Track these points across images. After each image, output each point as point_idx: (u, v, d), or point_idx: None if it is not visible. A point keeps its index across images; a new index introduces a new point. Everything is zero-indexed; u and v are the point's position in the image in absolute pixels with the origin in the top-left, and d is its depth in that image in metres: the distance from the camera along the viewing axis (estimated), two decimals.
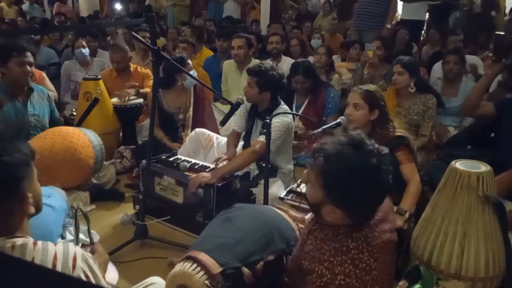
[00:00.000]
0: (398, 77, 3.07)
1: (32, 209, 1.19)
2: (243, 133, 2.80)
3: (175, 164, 2.56)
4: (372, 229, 1.29)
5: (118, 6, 9.04)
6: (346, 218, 1.26)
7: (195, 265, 1.37)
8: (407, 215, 2.04)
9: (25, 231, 1.19)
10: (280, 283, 1.45)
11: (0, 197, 1.14)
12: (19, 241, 1.13)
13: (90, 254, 1.23)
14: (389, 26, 4.85)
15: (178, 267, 1.39)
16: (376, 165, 1.20)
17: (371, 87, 2.34)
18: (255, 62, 4.04)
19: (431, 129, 3.15)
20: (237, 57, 4.00)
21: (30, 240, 1.15)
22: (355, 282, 1.19)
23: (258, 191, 2.52)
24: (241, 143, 2.84)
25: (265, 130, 2.05)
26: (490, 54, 2.61)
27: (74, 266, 1.14)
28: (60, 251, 1.15)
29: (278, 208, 1.79)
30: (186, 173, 2.46)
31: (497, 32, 2.64)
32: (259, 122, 2.63)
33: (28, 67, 2.71)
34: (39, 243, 1.15)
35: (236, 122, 2.78)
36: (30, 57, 2.73)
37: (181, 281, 1.37)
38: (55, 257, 1.13)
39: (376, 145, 1.26)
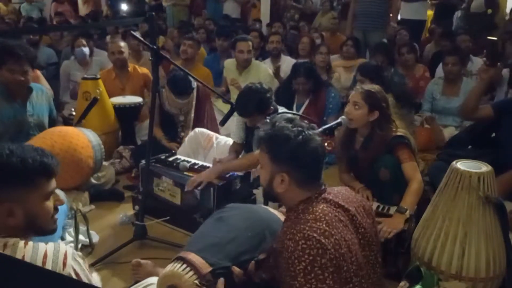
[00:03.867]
0: (360, 85, 3.00)
1: (12, 221, 1.17)
2: (244, 143, 2.76)
3: (174, 164, 2.55)
4: (329, 206, 1.35)
5: (119, 6, 9.04)
6: (292, 183, 1.35)
7: (185, 265, 1.39)
8: (407, 213, 2.03)
9: (17, 235, 1.19)
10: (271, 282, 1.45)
11: None
12: (11, 240, 1.15)
13: (80, 254, 1.24)
14: (395, 24, 4.82)
15: (169, 267, 1.42)
16: (307, 127, 1.39)
17: (374, 87, 2.31)
18: (254, 63, 4.02)
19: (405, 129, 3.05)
20: (246, 62, 3.91)
21: (21, 240, 1.16)
22: (315, 243, 1.23)
23: (258, 192, 2.51)
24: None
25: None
26: (484, 59, 2.61)
27: (64, 264, 1.15)
28: (50, 249, 1.15)
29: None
30: (186, 173, 2.46)
31: (489, 37, 2.64)
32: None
33: (20, 76, 2.64)
34: (30, 242, 1.16)
35: (236, 133, 2.75)
36: (24, 65, 2.65)
37: (171, 281, 1.40)
38: (45, 255, 1.14)
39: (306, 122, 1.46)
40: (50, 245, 1.18)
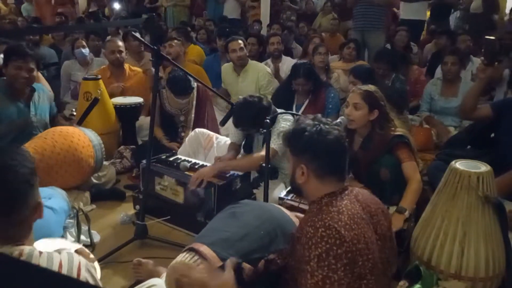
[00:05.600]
0: (353, 87, 3.00)
1: (42, 215, 1.23)
2: (243, 144, 2.77)
3: (175, 164, 2.56)
4: (352, 202, 1.38)
5: (117, 6, 9.03)
6: (312, 174, 1.40)
7: (196, 256, 1.39)
8: (406, 213, 2.04)
9: (31, 239, 1.22)
10: (280, 282, 1.45)
11: (17, 207, 1.15)
12: (26, 249, 1.16)
13: (92, 264, 1.26)
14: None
15: (180, 257, 1.42)
16: (325, 122, 1.44)
17: (371, 87, 2.33)
18: (252, 63, 4.04)
19: None
20: (242, 59, 3.94)
21: (36, 249, 1.18)
22: (335, 233, 1.26)
23: (258, 192, 2.52)
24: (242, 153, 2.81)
25: (267, 129, 2.05)
26: (482, 58, 2.60)
27: (78, 275, 1.17)
28: (65, 260, 1.17)
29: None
30: (186, 172, 2.47)
31: (486, 37, 2.63)
32: (258, 134, 2.61)
33: (25, 73, 2.68)
34: (44, 252, 1.17)
35: (234, 134, 2.75)
36: (29, 63, 2.69)
37: (182, 271, 1.39)
38: (60, 265, 1.15)
39: (331, 120, 1.52)
40: (64, 254, 1.19)
